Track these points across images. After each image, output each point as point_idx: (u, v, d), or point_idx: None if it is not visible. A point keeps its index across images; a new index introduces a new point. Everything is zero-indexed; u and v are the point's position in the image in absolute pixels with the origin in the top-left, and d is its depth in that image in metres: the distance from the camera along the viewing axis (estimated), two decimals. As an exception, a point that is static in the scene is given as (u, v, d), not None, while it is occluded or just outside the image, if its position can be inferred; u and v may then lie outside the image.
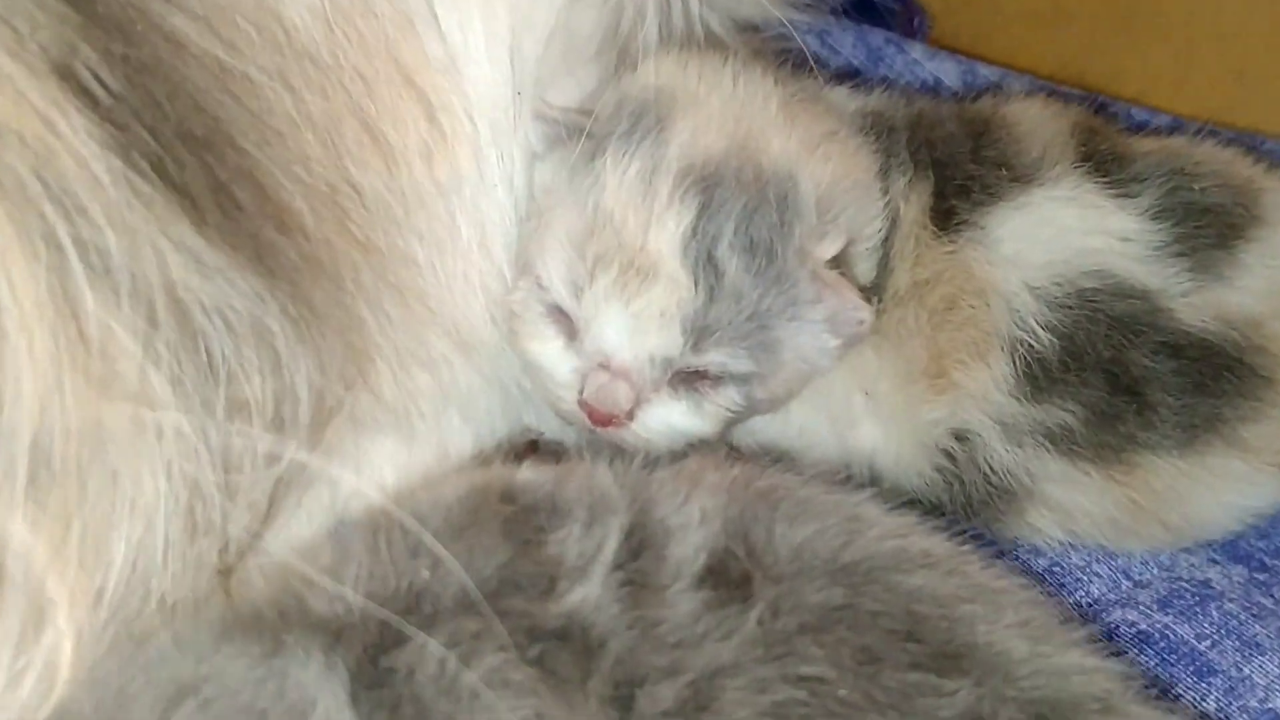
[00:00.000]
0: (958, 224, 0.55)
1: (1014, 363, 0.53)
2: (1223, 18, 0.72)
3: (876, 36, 0.78)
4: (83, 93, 0.39)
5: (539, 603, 0.37)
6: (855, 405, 0.55)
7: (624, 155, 0.51)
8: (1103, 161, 0.56)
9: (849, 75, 0.69)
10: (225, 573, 0.42)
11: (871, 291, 0.54)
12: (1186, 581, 0.57)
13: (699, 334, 0.50)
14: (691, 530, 0.40)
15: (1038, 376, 0.53)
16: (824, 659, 0.37)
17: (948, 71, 0.78)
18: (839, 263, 0.53)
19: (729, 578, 0.39)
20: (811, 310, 0.52)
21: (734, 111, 0.53)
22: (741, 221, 0.50)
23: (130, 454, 0.37)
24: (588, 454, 0.45)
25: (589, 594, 0.38)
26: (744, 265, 0.50)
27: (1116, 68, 0.76)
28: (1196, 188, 0.55)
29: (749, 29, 0.63)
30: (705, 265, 0.50)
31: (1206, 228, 0.54)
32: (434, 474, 0.48)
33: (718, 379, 0.52)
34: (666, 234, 0.50)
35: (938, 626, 0.39)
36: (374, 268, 0.48)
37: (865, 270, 0.54)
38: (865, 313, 0.52)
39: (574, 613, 0.37)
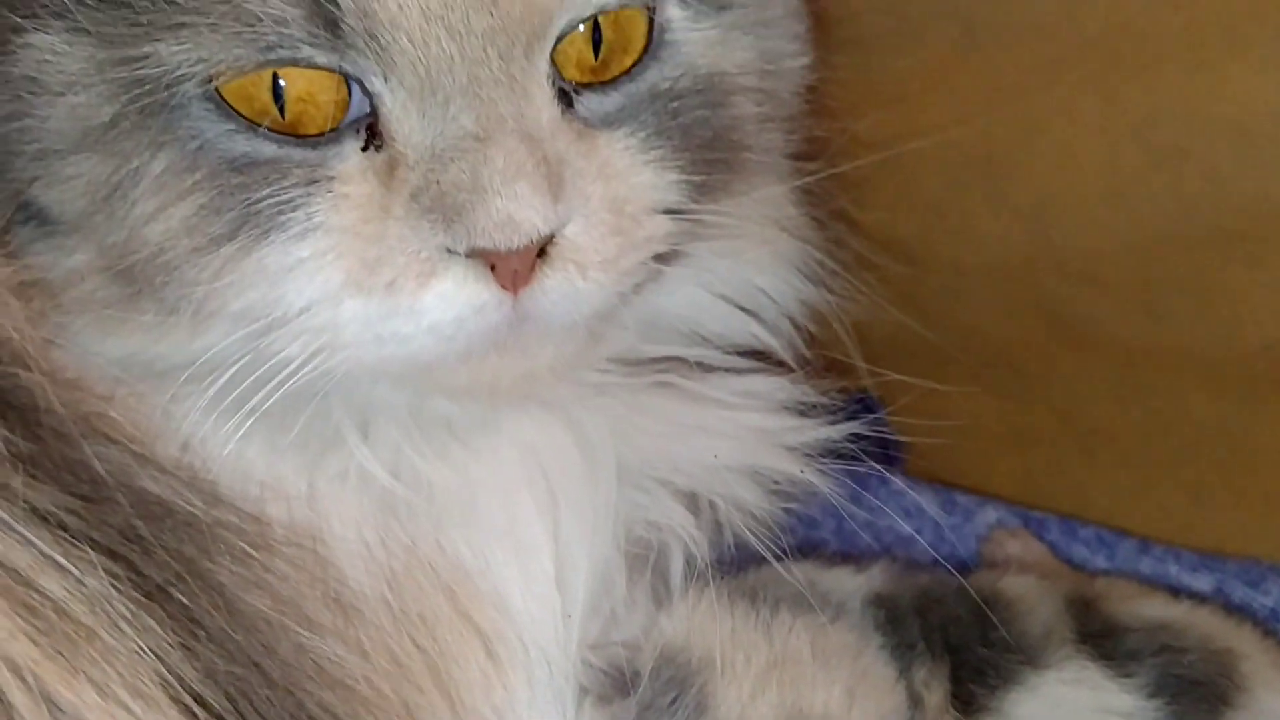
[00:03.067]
0: (977, 710, 0.60)
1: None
2: (1176, 444, 0.79)
3: (858, 469, 0.84)
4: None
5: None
6: None
7: None
8: (1100, 639, 0.61)
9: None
10: None
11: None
12: None
13: None
14: None
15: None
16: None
17: (928, 500, 0.84)
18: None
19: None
20: None
21: (773, 672, 0.56)
22: None
23: None
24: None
25: None
26: None
27: (1081, 490, 0.82)
28: (1185, 662, 0.60)
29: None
30: None
31: (1198, 701, 0.60)
32: None
33: None
34: None
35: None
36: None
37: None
38: None
39: None
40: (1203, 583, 0.75)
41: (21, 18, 0.49)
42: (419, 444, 0.57)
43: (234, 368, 0.50)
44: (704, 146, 0.54)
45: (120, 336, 0.53)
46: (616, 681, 0.57)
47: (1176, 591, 0.69)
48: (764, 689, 0.56)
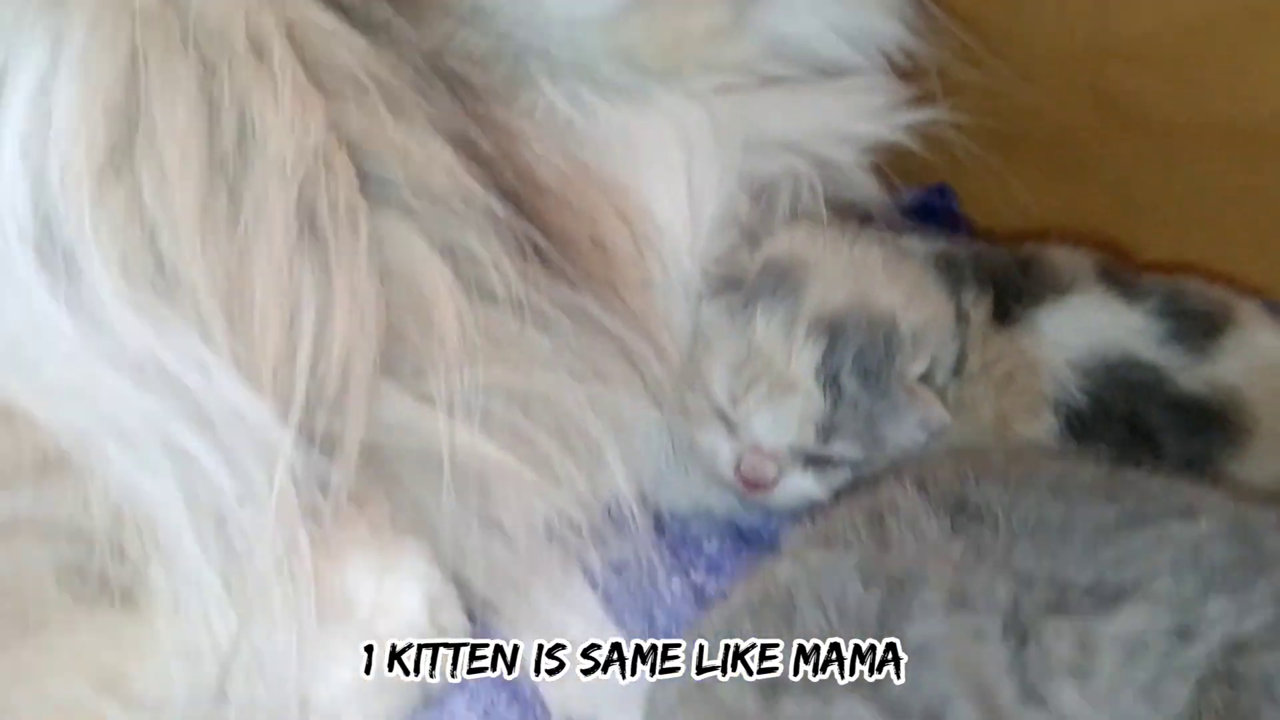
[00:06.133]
0: (1013, 320, 0.76)
1: (1058, 416, 0.73)
2: (1210, 209, 0.94)
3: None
4: None
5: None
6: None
7: (770, 308, 0.72)
8: (1117, 280, 0.77)
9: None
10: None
11: (953, 372, 0.75)
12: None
13: (826, 432, 0.71)
14: None
15: (1075, 426, 0.73)
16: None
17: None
18: (926, 376, 0.73)
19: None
20: (907, 414, 0.72)
21: (850, 273, 0.74)
22: (857, 356, 0.71)
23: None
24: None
25: None
26: (859, 385, 0.71)
27: (1143, 225, 0.96)
28: (1188, 296, 0.76)
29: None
30: (831, 385, 0.71)
31: (1196, 325, 0.75)
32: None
33: (838, 463, 0.72)
34: (803, 363, 0.71)
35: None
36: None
37: (943, 375, 0.75)
38: (945, 418, 0.72)
39: None
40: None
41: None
42: (593, 89, 0.75)
43: None
44: None
45: None
46: (731, 281, 0.74)
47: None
48: (841, 280, 0.73)
